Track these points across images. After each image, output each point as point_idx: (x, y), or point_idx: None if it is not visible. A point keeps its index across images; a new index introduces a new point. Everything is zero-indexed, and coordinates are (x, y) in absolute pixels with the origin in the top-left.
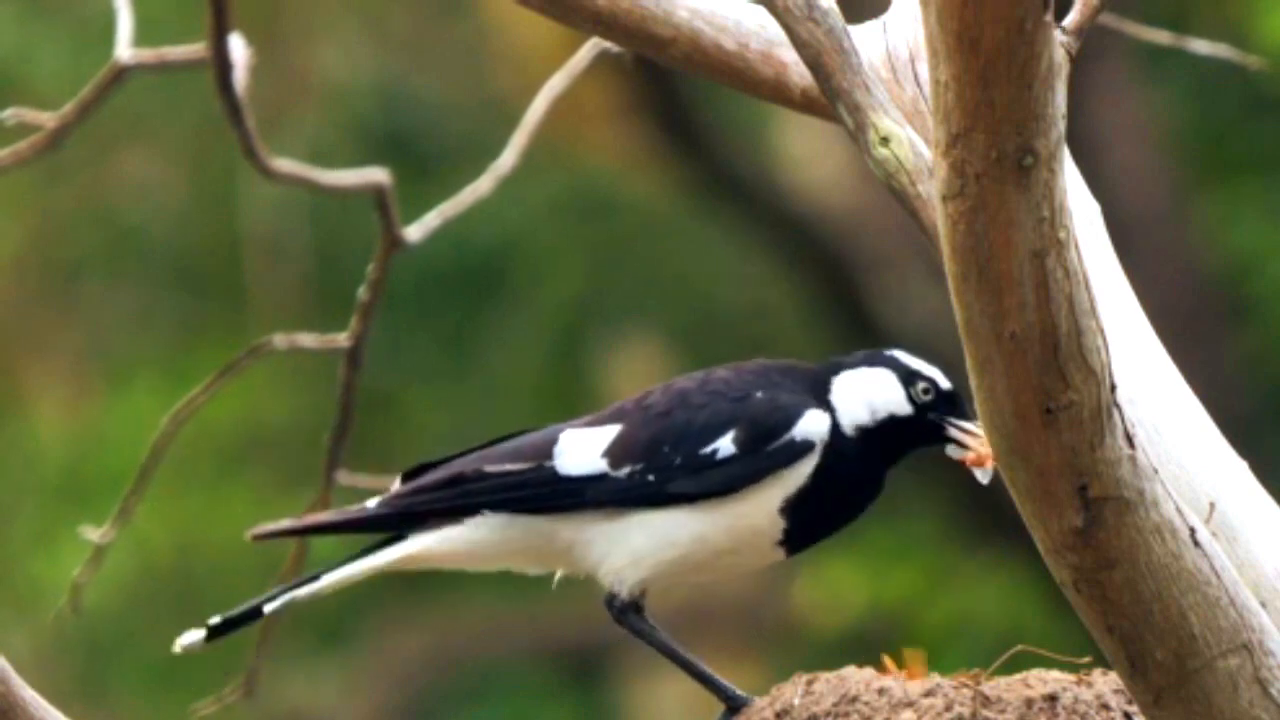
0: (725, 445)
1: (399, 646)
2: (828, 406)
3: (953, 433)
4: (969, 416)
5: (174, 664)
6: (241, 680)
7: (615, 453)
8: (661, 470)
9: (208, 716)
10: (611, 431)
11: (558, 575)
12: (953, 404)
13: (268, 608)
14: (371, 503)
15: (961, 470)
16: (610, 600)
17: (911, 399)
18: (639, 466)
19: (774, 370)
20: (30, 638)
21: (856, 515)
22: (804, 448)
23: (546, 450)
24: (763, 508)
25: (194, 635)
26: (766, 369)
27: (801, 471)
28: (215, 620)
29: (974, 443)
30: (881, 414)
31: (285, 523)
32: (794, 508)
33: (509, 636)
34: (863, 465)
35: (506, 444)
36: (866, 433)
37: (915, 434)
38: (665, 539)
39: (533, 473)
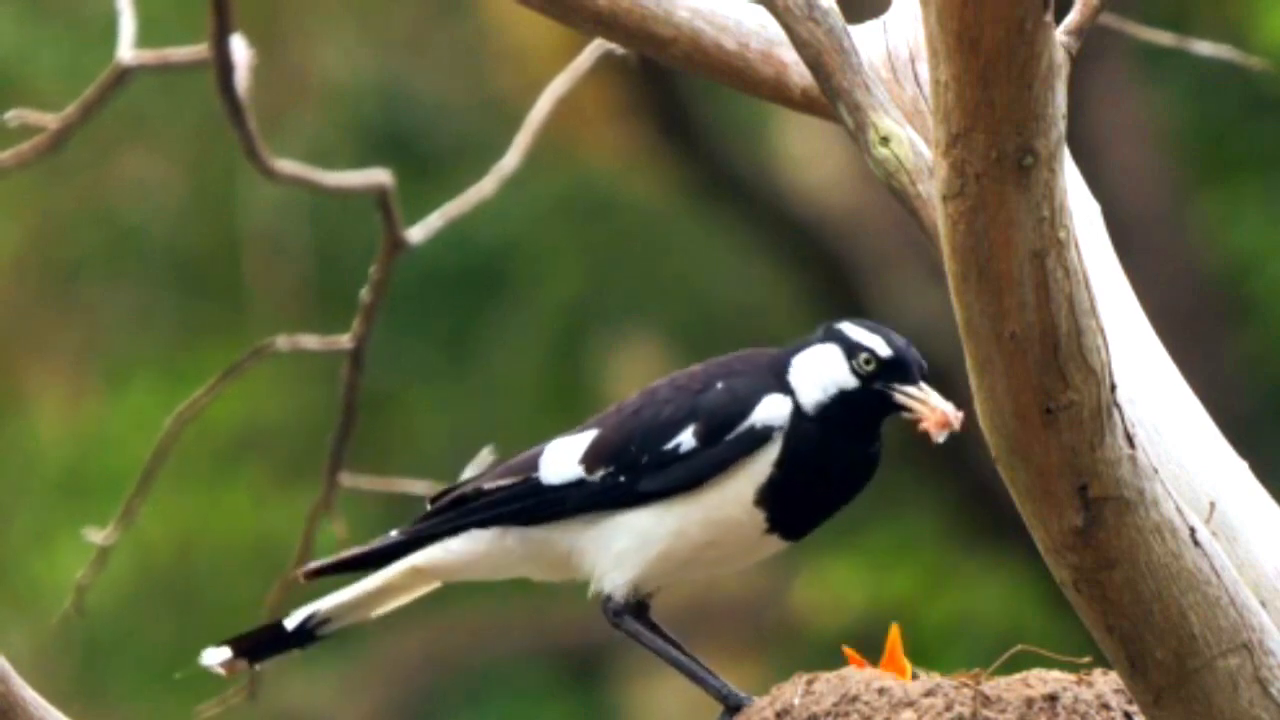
0: (686, 439)
1: (398, 647)
2: (788, 390)
3: (898, 399)
4: (915, 381)
5: (174, 663)
6: (244, 682)
7: (590, 457)
8: (630, 470)
9: (210, 718)
10: (588, 437)
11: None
12: (897, 370)
13: (289, 623)
14: (394, 533)
15: (962, 471)
16: (604, 604)
17: (855, 371)
18: (611, 469)
19: (740, 360)
20: (30, 638)
21: (850, 492)
22: (764, 434)
23: (533, 463)
24: (734, 498)
25: (220, 654)
26: (734, 359)
27: (767, 458)
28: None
29: (920, 408)
30: (832, 390)
31: (326, 561)
32: (770, 494)
33: (509, 636)
34: (836, 442)
35: (509, 460)
36: (825, 410)
37: (867, 405)
38: (643, 538)
39: (521, 485)
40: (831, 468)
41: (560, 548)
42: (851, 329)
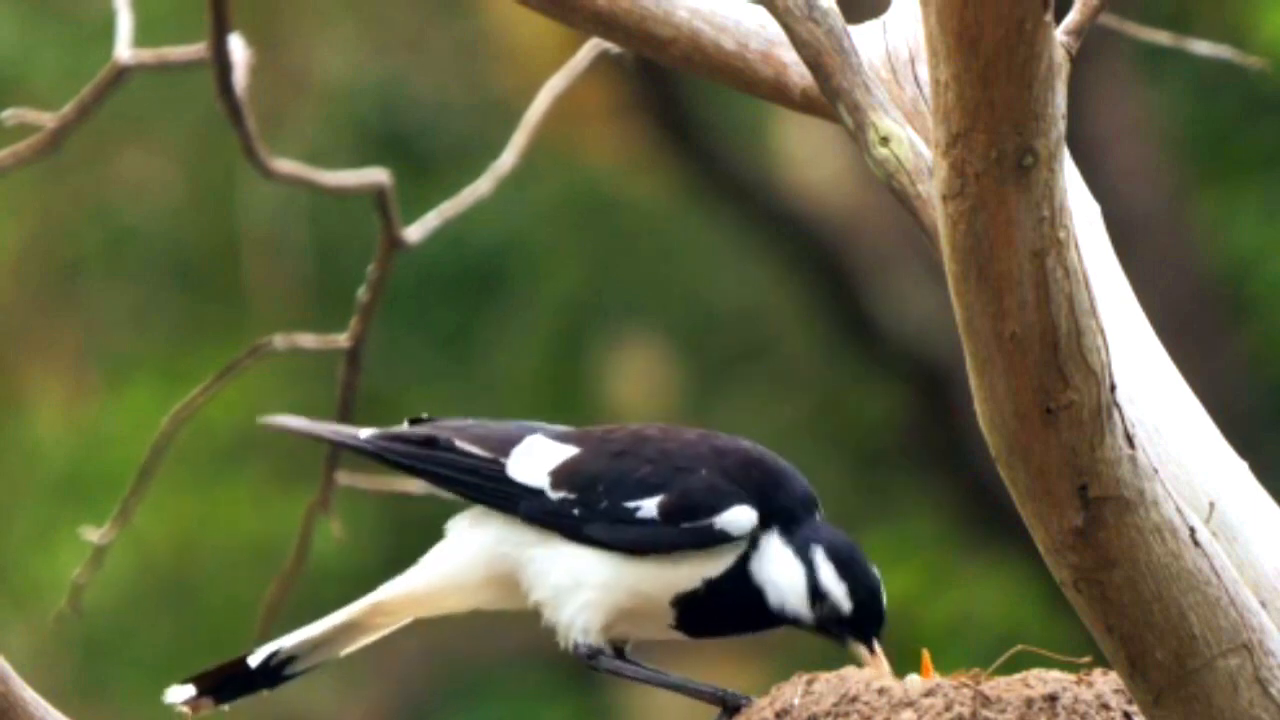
0: (648, 507)
1: (398, 646)
2: (763, 520)
3: (851, 649)
4: (871, 638)
5: (173, 663)
6: None
7: (558, 474)
8: (586, 507)
9: (208, 717)
10: (567, 452)
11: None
12: (856, 625)
13: (252, 660)
14: (363, 432)
15: (962, 471)
16: (574, 653)
17: (814, 611)
18: (571, 496)
19: (742, 458)
20: (29, 637)
21: (760, 629)
22: (719, 537)
23: (508, 447)
24: (665, 583)
25: (183, 692)
26: (734, 450)
27: (716, 563)
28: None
29: (870, 664)
30: (786, 607)
31: (292, 421)
32: (690, 598)
33: (509, 636)
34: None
35: (490, 426)
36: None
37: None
38: (576, 580)
39: (487, 464)
40: (752, 604)
41: (510, 560)
42: (822, 562)
